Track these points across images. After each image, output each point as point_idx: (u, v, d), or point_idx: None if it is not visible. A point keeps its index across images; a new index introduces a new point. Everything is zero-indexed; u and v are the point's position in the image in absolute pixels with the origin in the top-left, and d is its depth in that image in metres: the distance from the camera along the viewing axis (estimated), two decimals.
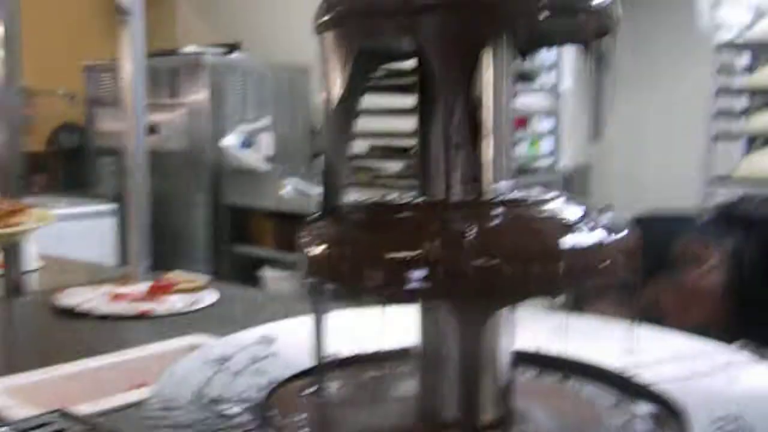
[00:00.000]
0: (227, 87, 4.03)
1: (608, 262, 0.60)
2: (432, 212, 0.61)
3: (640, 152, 5.26)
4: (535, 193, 0.65)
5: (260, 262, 3.92)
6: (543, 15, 0.57)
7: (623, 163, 4.78)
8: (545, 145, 4.08)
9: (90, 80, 4.43)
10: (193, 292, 1.38)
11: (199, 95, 3.98)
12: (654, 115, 5.22)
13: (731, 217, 1.60)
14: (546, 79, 3.99)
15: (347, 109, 0.65)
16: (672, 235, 1.49)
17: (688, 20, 3.66)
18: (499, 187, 0.64)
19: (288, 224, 3.55)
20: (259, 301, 1.55)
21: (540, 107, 4.01)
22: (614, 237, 0.61)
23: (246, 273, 3.82)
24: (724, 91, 3.43)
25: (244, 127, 4.02)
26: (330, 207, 0.67)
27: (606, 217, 0.63)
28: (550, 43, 0.71)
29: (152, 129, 3.94)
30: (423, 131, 0.66)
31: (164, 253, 3.08)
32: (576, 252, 0.58)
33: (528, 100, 3.95)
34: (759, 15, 3.39)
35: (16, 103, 1.65)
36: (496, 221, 0.59)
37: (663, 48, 5.11)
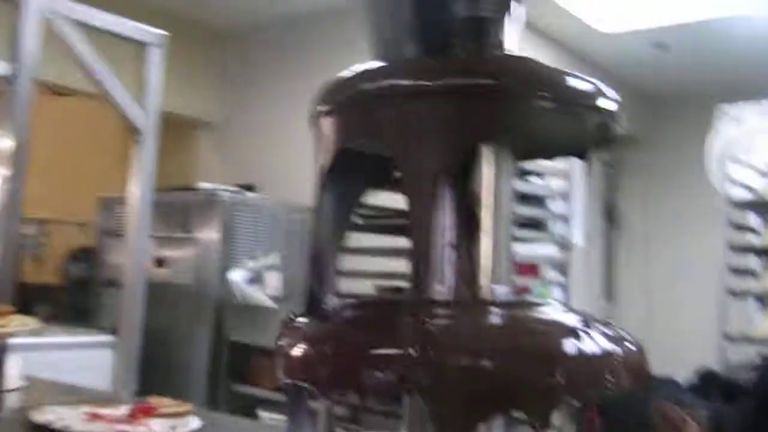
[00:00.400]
0: (239, 224, 4.05)
1: (613, 374, 0.54)
2: (420, 310, 0.57)
3: (654, 309, 5.19)
4: (532, 298, 0.61)
5: (259, 402, 3.78)
6: (544, 104, 0.55)
7: (635, 318, 4.70)
8: (555, 296, 4.02)
9: (103, 211, 4.47)
10: (175, 417, 1.30)
11: (211, 231, 3.99)
12: (666, 274, 5.20)
13: (714, 385, 1.57)
14: (557, 229, 3.98)
15: (336, 199, 0.61)
16: (654, 397, 1.46)
17: (699, 181, 3.70)
18: (495, 287, 0.59)
19: None
20: (246, 429, 1.46)
21: (550, 258, 3.98)
22: (621, 348, 0.56)
23: (244, 412, 3.68)
24: (735, 249, 3.40)
25: (252, 263, 4.00)
26: (314, 304, 0.62)
27: (611, 329, 0.58)
28: (550, 148, 0.68)
29: (161, 262, 3.94)
30: (415, 229, 0.63)
31: (160, 384, 2.98)
32: (579, 359, 0.52)
33: (539, 249, 3.93)
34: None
35: (15, 217, 1.62)
36: (488, 321, 0.55)
37: (674, 208, 5.16)
